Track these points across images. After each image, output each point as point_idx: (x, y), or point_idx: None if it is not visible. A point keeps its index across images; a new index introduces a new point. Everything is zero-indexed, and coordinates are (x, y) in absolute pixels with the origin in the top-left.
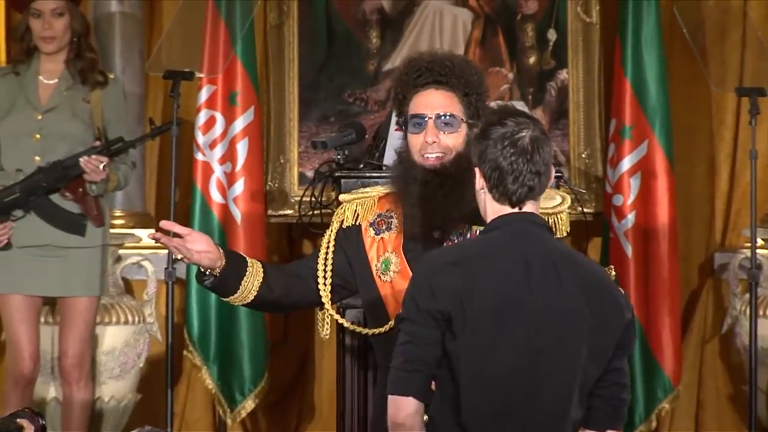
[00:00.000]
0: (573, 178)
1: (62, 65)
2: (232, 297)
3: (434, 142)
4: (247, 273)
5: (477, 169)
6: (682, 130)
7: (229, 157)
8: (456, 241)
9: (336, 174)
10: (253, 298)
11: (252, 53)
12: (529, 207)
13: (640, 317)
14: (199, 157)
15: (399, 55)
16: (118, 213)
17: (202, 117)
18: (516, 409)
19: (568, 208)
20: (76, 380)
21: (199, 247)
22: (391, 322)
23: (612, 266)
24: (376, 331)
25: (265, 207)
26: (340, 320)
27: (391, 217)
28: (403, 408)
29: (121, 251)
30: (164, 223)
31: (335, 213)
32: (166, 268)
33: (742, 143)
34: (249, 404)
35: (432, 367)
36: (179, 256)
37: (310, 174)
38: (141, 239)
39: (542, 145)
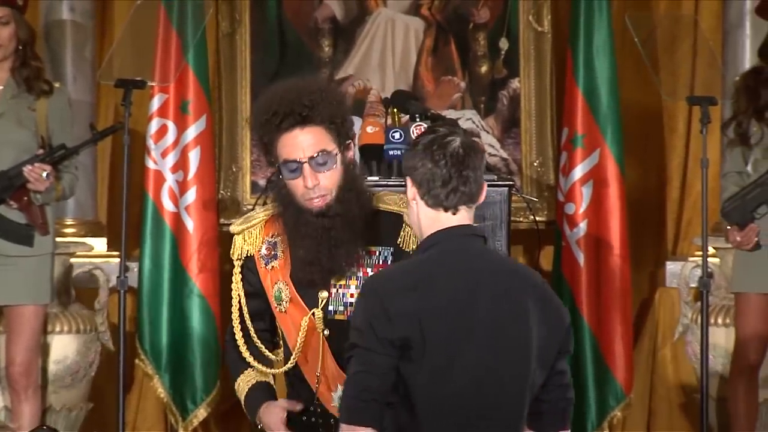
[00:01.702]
0: (525, 186)
1: (7, 73)
2: None
3: (315, 185)
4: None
5: (408, 179)
6: (633, 138)
7: (181, 165)
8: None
9: None
10: None
11: (204, 62)
12: (463, 213)
13: (592, 325)
14: (151, 165)
15: (351, 64)
16: (69, 221)
17: (154, 125)
18: (474, 426)
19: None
20: (24, 389)
21: None
22: (294, 359)
23: None
24: (282, 369)
25: (218, 215)
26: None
27: (276, 242)
28: None
29: (72, 260)
30: None
31: (232, 248)
32: (118, 277)
33: (693, 152)
34: (201, 413)
35: (387, 396)
36: None
37: (262, 182)
38: (93, 247)
39: (472, 151)
